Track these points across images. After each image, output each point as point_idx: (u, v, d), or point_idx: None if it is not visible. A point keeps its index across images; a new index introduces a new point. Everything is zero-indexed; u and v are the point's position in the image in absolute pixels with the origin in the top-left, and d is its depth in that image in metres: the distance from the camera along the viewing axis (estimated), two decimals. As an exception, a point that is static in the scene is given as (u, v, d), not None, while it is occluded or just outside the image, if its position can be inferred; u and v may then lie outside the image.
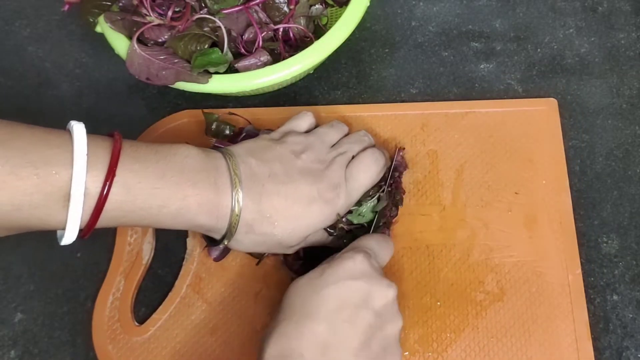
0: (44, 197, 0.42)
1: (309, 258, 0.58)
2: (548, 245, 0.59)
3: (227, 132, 0.63)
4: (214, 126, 0.64)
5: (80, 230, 0.45)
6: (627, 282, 0.59)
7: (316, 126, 0.59)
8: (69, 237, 0.45)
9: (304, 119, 0.58)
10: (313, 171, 0.52)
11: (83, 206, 0.43)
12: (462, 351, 0.55)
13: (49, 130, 0.45)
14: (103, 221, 0.45)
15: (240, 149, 0.52)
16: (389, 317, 0.48)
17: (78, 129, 0.44)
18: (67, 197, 0.43)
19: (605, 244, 0.60)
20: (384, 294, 0.48)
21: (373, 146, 0.58)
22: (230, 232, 0.50)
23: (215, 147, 0.55)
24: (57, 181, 0.42)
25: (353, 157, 0.56)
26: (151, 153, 0.47)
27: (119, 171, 0.44)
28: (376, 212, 0.57)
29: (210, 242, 0.55)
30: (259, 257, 0.59)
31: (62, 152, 0.43)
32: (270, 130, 0.59)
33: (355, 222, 0.56)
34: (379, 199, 0.57)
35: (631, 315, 0.57)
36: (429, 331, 0.56)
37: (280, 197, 0.50)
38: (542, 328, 0.56)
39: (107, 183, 0.44)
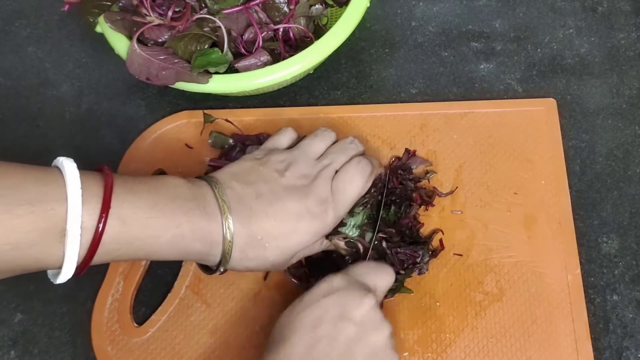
0: (41, 234, 0.41)
1: (311, 265, 0.58)
2: (547, 245, 0.59)
3: (231, 142, 0.63)
4: (214, 136, 0.63)
5: (76, 268, 0.44)
6: (627, 282, 0.59)
7: (301, 138, 0.57)
8: (66, 273, 0.44)
9: (285, 134, 0.57)
10: (298, 187, 0.52)
11: (80, 240, 0.43)
12: (461, 352, 0.55)
13: (39, 167, 0.44)
14: (99, 256, 0.44)
15: (224, 175, 0.52)
16: (372, 325, 0.48)
17: (68, 164, 0.44)
18: (64, 233, 0.42)
19: (605, 244, 0.60)
20: (360, 302, 0.48)
21: (361, 154, 0.56)
22: (225, 259, 0.49)
23: (209, 166, 0.56)
24: (53, 217, 0.42)
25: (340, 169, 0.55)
26: (141, 184, 0.47)
27: (114, 203, 0.44)
28: (370, 221, 0.56)
29: (206, 270, 0.53)
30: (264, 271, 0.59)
31: (55, 187, 0.42)
32: (254, 147, 0.58)
33: (350, 234, 0.55)
34: (370, 208, 0.56)
35: (631, 315, 0.57)
36: (428, 332, 0.56)
37: (269, 218, 0.50)
38: (541, 328, 0.56)
39: (104, 215, 0.43)
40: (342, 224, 0.55)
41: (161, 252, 0.48)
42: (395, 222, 0.58)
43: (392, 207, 0.58)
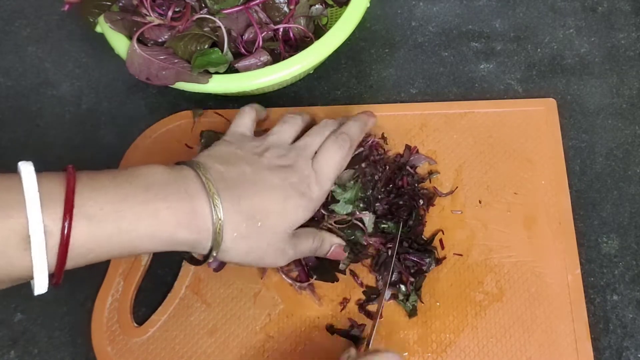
0: (3, 245, 0.39)
1: (308, 264, 0.58)
2: (547, 245, 0.59)
3: None
4: (204, 136, 0.63)
5: (52, 277, 0.42)
6: (627, 282, 0.59)
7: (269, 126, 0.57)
8: (39, 283, 0.41)
9: (245, 116, 0.57)
10: (280, 167, 0.52)
11: (46, 246, 0.40)
12: (461, 351, 0.55)
13: (2, 176, 0.42)
14: (73, 259, 0.42)
15: (203, 158, 0.51)
16: None
17: (26, 167, 0.42)
18: (28, 240, 0.40)
19: (605, 244, 0.60)
20: None
21: (337, 130, 0.56)
22: (216, 242, 0.47)
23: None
24: (13, 225, 0.40)
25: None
26: (109, 179, 0.45)
27: (78, 202, 0.42)
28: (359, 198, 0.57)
29: (194, 262, 0.52)
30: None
31: (14, 194, 0.40)
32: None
33: (343, 212, 0.56)
34: (362, 184, 0.57)
35: (631, 315, 0.57)
36: (428, 332, 0.56)
37: (257, 197, 0.49)
38: (541, 328, 0.56)
39: (67, 216, 0.41)
40: (335, 200, 0.56)
41: (141, 246, 0.45)
42: (410, 229, 0.58)
43: (397, 215, 0.58)
